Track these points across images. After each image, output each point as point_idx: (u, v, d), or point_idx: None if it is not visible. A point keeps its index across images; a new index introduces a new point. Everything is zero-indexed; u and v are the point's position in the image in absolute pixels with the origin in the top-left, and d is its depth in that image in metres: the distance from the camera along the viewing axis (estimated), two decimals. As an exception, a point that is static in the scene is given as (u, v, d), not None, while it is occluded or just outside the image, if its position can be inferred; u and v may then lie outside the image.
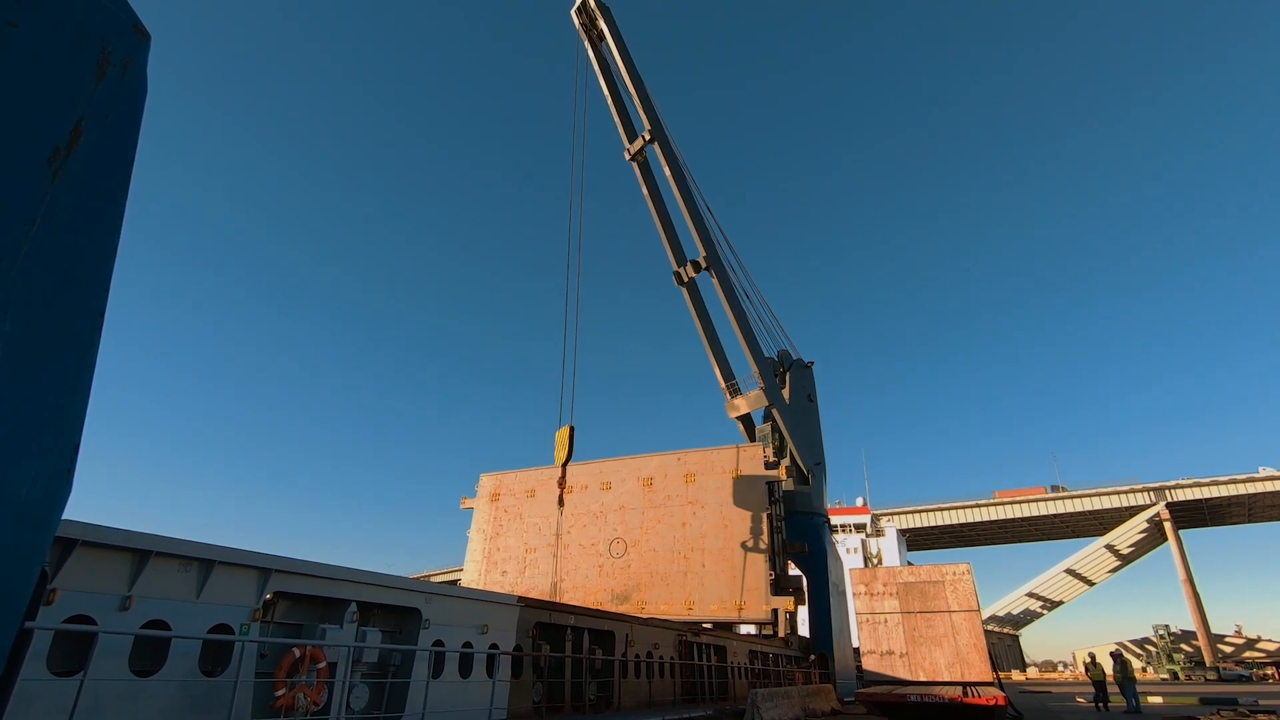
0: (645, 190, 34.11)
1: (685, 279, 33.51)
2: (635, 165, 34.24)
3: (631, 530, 27.84)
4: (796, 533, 29.01)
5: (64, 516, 3.96)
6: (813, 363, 35.14)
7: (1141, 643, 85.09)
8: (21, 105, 4.00)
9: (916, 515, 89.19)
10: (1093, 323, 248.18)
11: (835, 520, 52.96)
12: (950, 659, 18.59)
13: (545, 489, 30.39)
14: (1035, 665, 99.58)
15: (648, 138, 33.20)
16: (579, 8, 34.22)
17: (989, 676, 18.34)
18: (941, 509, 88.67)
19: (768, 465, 27.23)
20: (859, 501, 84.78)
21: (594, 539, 28.38)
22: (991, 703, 14.50)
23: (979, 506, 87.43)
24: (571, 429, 19.95)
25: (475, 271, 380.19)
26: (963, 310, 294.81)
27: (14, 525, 3.62)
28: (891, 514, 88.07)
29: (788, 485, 29.86)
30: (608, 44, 33.83)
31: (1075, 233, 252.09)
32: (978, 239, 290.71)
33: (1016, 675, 76.88)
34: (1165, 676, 69.12)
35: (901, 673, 18.71)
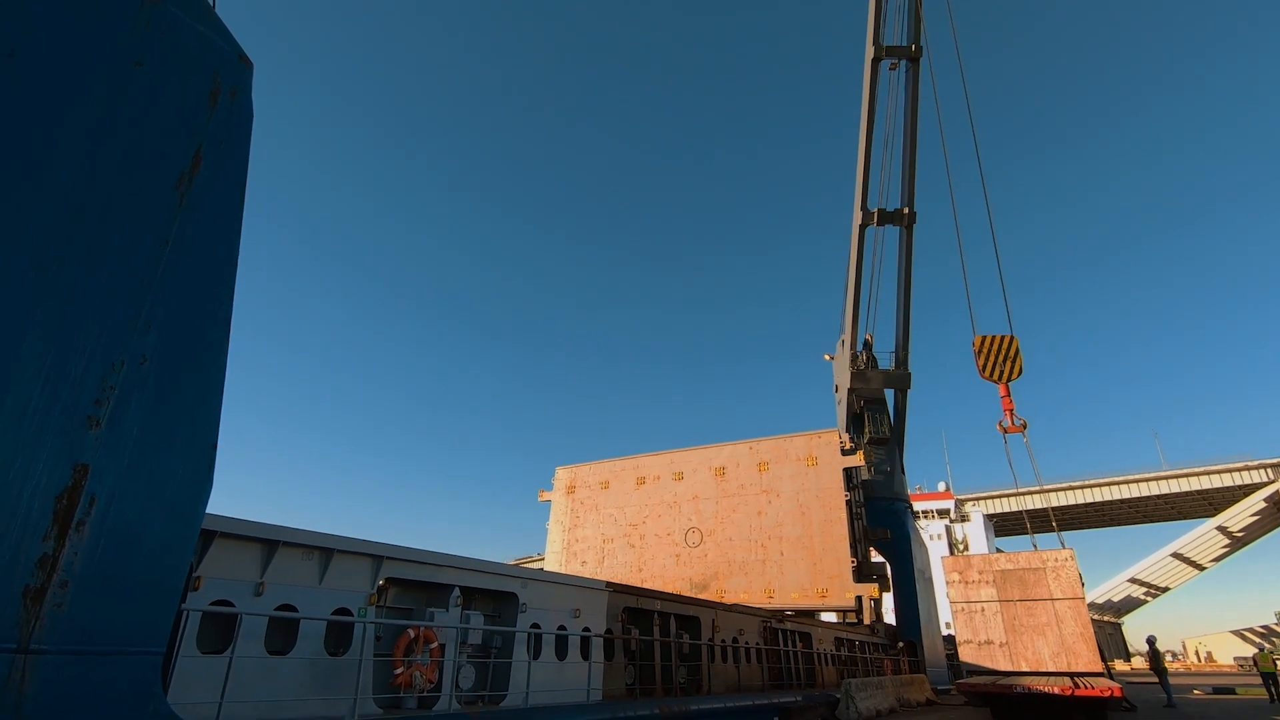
0: (866, 106, 28.30)
1: (876, 222, 28.89)
2: (870, 68, 28.01)
3: (706, 520, 27.87)
4: (877, 518, 28.25)
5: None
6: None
7: (1266, 633, 78.05)
8: (150, 136, 4.41)
9: (1004, 500, 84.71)
10: (1192, 285, 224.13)
11: (917, 506, 51.09)
12: (1055, 649, 17.65)
13: (618, 480, 30.93)
14: (1140, 655, 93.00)
15: (915, 50, 27.39)
16: None
17: (1098, 667, 17.25)
18: (1032, 492, 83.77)
19: (844, 452, 26.60)
20: (941, 486, 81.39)
21: (669, 528, 28.57)
22: (1107, 694, 13.51)
23: (1074, 489, 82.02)
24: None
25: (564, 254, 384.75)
26: (1047, 269, 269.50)
27: (166, 518, 4.04)
28: (977, 499, 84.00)
29: (866, 472, 29.13)
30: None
31: (1184, 177, 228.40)
32: (1070, 179, 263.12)
33: (1120, 665, 72.10)
34: None
35: (1002, 663, 17.93)
